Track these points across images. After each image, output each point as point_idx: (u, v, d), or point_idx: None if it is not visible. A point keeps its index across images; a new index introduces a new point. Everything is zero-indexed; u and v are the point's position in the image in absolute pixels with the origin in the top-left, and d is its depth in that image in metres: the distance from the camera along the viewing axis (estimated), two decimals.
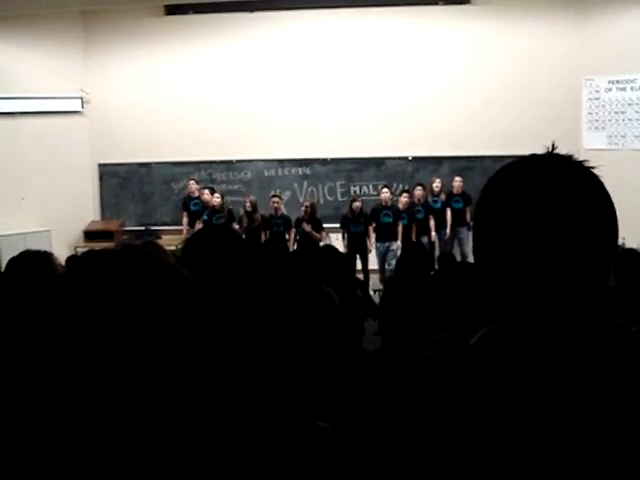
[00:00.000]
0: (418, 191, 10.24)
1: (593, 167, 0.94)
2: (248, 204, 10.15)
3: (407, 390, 0.96)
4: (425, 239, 9.81)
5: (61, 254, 4.74)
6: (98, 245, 8.58)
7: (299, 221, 10.02)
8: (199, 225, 10.40)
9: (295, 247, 9.54)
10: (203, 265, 1.72)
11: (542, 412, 0.88)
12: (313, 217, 9.97)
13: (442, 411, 0.91)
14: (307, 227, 9.73)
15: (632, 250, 3.93)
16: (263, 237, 9.95)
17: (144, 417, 0.76)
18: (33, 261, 3.28)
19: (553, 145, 0.97)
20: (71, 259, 5.60)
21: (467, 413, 0.90)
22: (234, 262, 1.76)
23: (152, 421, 0.77)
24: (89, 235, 11.29)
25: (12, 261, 3.31)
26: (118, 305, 0.76)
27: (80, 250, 10.20)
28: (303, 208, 10.05)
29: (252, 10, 11.23)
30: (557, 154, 0.95)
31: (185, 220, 10.80)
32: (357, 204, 9.98)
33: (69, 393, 0.74)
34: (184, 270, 0.85)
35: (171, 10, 11.44)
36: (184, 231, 10.69)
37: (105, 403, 0.74)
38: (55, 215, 10.74)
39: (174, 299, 0.80)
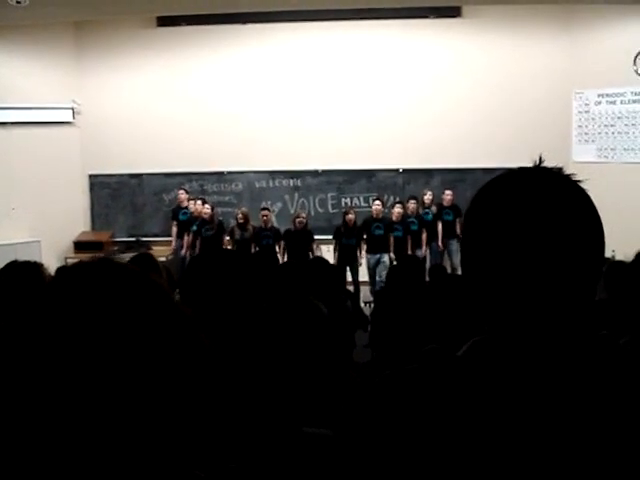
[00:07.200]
0: (412, 204, 10.26)
1: (580, 180, 0.95)
2: (240, 215, 10.10)
3: (393, 403, 0.96)
4: (419, 252, 9.84)
5: (51, 265, 4.70)
6: (88, 256, 8.51)
7: (290, 233, 9.98)
8: (187, 236, 10.38)
9: (285, 259, 9.54)
10: (207, 288, 1.73)
11: (526, 422, 0.88)
12: (305, 229, 9.95)
13: (427, 423, 0.92)
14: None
15: (621, 262, 3.95)
16: (252, 250, 9.90)
17: (128, 429, 0.76)
18: (22, 271, 3.28)
19: (540, 158, 0.98)
20: (61, 270, 5.57)
21: (452, 424, 0.90)
22: (239, 287, 1.77)
23: (136, 434, 0.76)
24: (79, 246, 11.25)
25: (1, 271, 3.31)
26: (91, 318, 0.76)
27: (70, 261, 10.12)
28: (299, 219, 9.95)
29: (244, 22, 11.26)
30: (544, 167, 0.96)
31: (174, 230, 10.75)
32: (350, 216, 9.96)
33: (52, 403, 0.74)
34: (165, 282, 0.85)
35: (163, 22, 11.46)
36: (173, 242, 10.69)
37: (89, 414, 0.74)
38: (45, 225, 10.71)
39: (148, 310, 0.80)
